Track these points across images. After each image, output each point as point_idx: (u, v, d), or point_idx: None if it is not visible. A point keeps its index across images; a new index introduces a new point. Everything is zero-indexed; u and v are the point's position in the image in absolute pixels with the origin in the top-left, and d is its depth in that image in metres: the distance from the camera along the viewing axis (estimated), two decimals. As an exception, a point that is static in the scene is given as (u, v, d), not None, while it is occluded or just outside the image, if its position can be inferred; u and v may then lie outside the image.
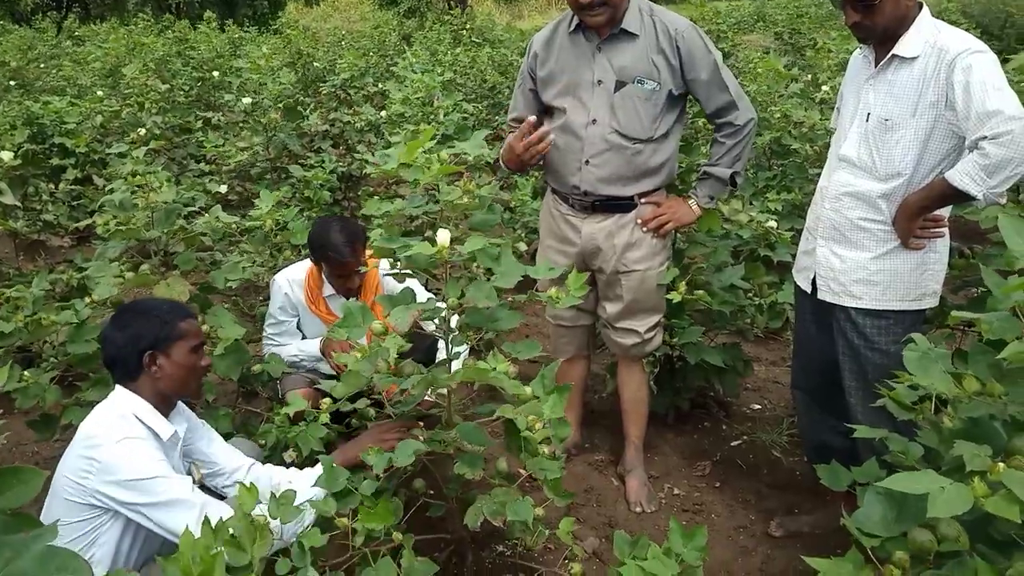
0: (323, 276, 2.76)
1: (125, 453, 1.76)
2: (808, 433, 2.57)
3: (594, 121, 2.43)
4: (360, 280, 2.71)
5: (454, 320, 1.87)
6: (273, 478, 2.09)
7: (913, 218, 2.03)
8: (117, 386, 1.91)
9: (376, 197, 1.66)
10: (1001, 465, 1.04)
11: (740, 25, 17.05)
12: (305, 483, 1.92)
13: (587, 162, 2.46)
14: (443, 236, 1.72)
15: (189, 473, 2.00)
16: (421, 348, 2.80)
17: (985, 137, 1.81)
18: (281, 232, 2.83)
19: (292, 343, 2.83)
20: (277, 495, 1.72)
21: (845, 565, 1.22)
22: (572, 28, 2.47)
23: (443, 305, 1.85)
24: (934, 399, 1.38)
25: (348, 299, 2.76)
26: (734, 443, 3.10)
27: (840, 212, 2.17)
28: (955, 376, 1.20)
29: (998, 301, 1.09)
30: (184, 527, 1.38)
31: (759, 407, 3.39)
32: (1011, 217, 1.12)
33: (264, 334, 2.86)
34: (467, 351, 2.59)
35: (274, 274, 2.81)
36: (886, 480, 1.09)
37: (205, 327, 2.38)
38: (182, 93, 6.52)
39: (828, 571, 1.21)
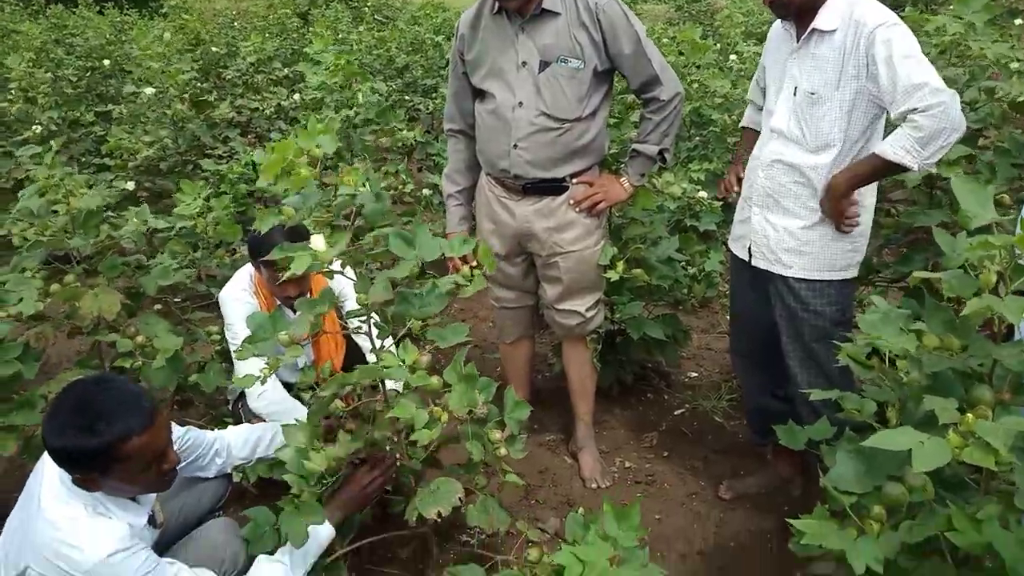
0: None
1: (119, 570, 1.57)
2: (747, 397, 2.67)
3: (521, 104, 2.41)
4: (300, 291, 2.42)
5: (376, 317, 1.84)
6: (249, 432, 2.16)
7: (844, 196, 2.07)
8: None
9: (263, 207, 1.56)
10: (970, 416, 1.10)
11: (635, -6, 17.30)
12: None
13: (515, 145, 2.44)
14: (317, 241, 1.65)
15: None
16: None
17: (915, 109, 1.85)
18: (213, 229, 2.67)
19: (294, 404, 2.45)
20: None
21: (829, 525, 1.27)
22: (495, 9, 2.43)
23: (353, 304, 1.84)
24: (887, 355, 1.45)
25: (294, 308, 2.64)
26: (677, 412, 3.20)
27: (773, 178, 2.21)
28: (916, 333, 1.27)
29: (951, 260, 1.15)
30: None
31: (696, 375, 3.50)
32: (963, 179, 1.18)
33: (243, 356, 2.46)
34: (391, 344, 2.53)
35: (213, 285, 2.59)
36: (870, 439, 1.13)
37: (140, 338, 2.25)
38: (69, 84, 6.08)
39: (814, 533, 1.25)
